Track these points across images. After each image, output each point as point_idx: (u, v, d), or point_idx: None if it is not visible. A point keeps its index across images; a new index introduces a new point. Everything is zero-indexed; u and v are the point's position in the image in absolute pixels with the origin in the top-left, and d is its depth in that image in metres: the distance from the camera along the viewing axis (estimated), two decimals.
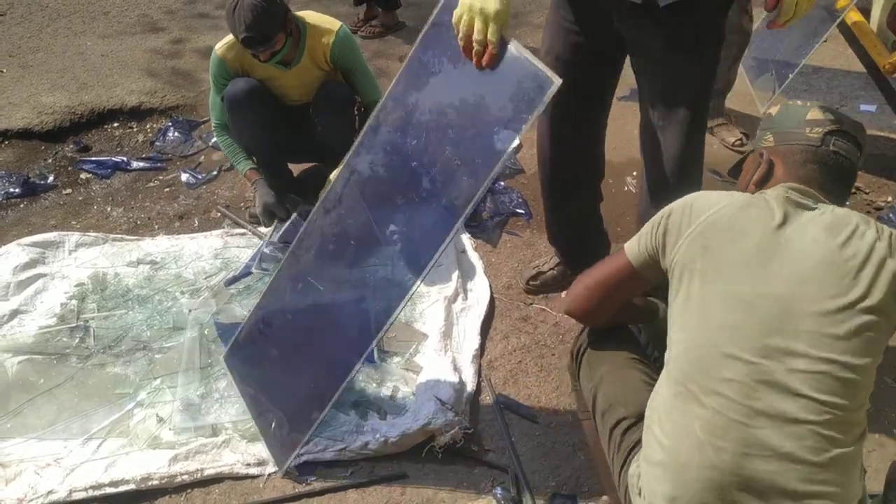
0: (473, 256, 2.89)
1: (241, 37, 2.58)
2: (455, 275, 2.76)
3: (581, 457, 2.14)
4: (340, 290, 2.13)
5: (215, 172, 3.42)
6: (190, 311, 2.61)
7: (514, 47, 1.68)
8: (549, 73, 1.62)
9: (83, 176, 3.47)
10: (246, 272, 2.79)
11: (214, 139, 3.20)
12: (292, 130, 3.01)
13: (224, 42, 2.84)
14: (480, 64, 1.68)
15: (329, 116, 2.90)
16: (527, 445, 2.18)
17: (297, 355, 2.21)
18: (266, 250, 2.87)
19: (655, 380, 1.53)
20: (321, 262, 2.16)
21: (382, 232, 2.02)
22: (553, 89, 1.61)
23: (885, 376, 2.34)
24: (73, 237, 2.94)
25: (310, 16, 2.85)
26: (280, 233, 2.87)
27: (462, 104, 1.80)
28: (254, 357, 2.30)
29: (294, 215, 2.90)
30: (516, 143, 1.67)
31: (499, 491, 1.99)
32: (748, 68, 3.80)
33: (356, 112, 2.98)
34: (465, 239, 2.98)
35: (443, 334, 2.49)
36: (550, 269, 2.73)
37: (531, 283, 2.73)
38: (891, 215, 3.04)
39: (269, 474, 2.07)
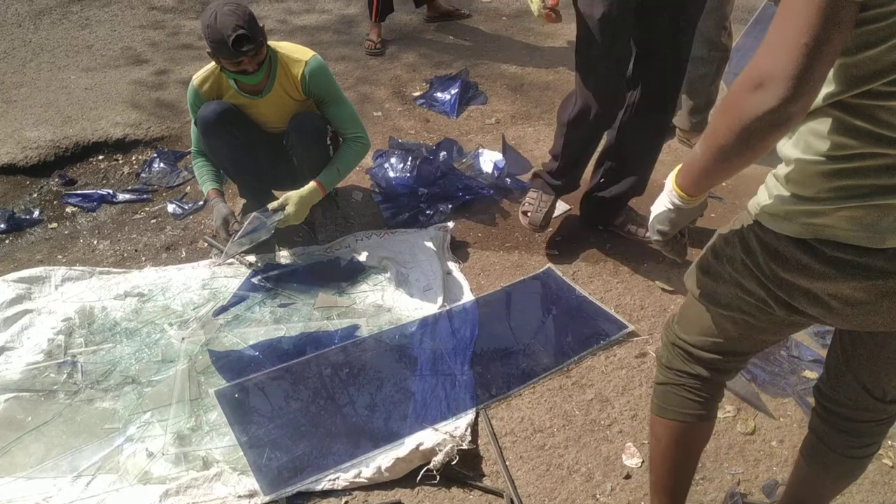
0: (460, 277, 2.90)
1: (232, 36, 2.49)
2: (441, 295, 2.76)
3: (576, 478, 2.13)
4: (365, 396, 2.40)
5: (201, 203, 3.41)
6: (183, 339, 2.59)
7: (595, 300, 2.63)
8: (624, 321, 2.63)
9: (69, 210, 3.45)
10: (234, 302, 2.78)
11: None
12: (273, 157, 3.01)
13: (201, 73, 2.84)
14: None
15: (302, 147, 2.89)
16: (521, 469, 2.16)
17: (313, 417, 2.32)
18: (254, 280, 2.86)
19: None
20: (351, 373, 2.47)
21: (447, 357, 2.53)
22: (627, 331, 2.62)
23: None
24: (60, 271, 2.92)
25: (282, 45, 2.84)
26: (240, 234, 2.76)
27: (548, 323, 2.73)
28: (259, 402, 2.38)
29: (252, 215, 2.77)
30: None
31: None
32: (729, 84, 3.84)
33: (329, 142, 2.97)
34: (451, 263, 2.98)
35: (434, 356, 2.49)
36: (551, 206, 3.00)
37: (544, 224, 2.97)
38: None
39: None
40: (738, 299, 1.42)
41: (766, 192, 1.33)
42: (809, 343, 2.55)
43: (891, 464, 2.12)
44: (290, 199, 2.77)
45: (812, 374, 2.41)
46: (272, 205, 2.79)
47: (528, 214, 2.99)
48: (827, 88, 1.17)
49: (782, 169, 1.30)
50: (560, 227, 3.21)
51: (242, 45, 2.54)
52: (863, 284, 1.23)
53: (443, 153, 3.52)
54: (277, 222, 2.75)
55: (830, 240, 1.22)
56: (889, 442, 2.18)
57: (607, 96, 2.65)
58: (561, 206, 3.31)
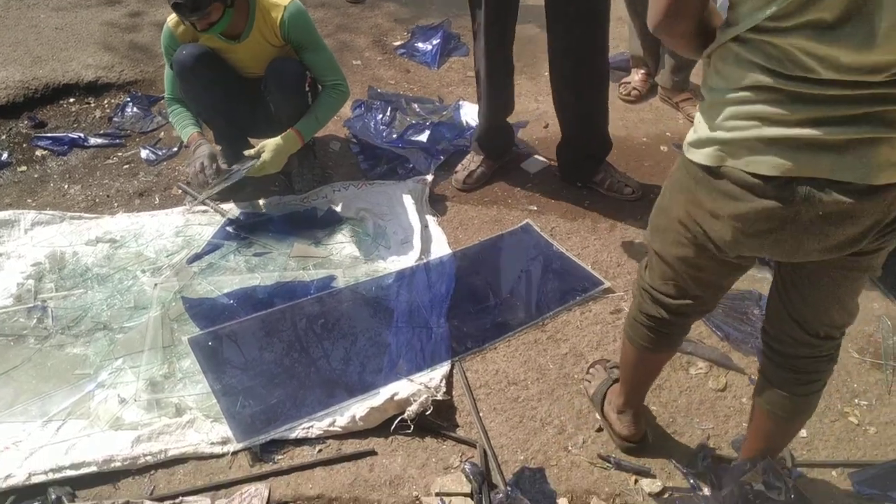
0: (437, 230, 2.88)
1: (171, 2, 2.46)
2: (418, 248, 2.75)
3: (549, 430, 2.15)
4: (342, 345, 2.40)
5: (175, 149, 3.34)
6: (156, 285, 2.57)
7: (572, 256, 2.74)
8: (600, 277, 2.65)
9: (39, 153, 3.37)
10: (209, 250, 2.74)
11: None
12: (251, 103, 2.94)
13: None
14: None
15: (279, 94, 2.83)
16: (495, 420, 2.18)
17: (287, 367, 2.33)
18: (228, 228, 2.83)
19: None
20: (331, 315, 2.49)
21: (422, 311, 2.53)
22: (603, 287, 2.62)
23: (850, 348, 2.38)
24: (29, 215, 2.86)
25: None
26: (216, 183, 2.74)
27: (525, 278, 2.72)
28: (232, 351, 2.37)
29: (232, 168, 2.76)
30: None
31: (468, 466, 1.98)
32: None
33: (307, 88, 2.90)
34: (429, 216, 2.96)
35: (410, 309, 2.49)
36: (478, 166, 3.15)
37: (467, 182, 3.13)
38: None
39: (234, 452, 2.05)
40: (680, 245, 1.53)
41: (693, 126, 1.43)
42: None
43: (856, 421, 2.16)
44: (267, 147, 2.73)
45: None
46: (248, 152, 2.74)
47: (456, 173, 3.18)
48: (727, 24, 1.29)
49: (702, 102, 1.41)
50: (540, 182, 3.19)
51: (180, 13, 2.51)
52: (763, 212, 1.30)
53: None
54: (253, 170, 2.70)
55: (735, 168, 1.31)
56: (856, 400, 2.22)
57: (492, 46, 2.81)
58: (540, 162, 3.29)
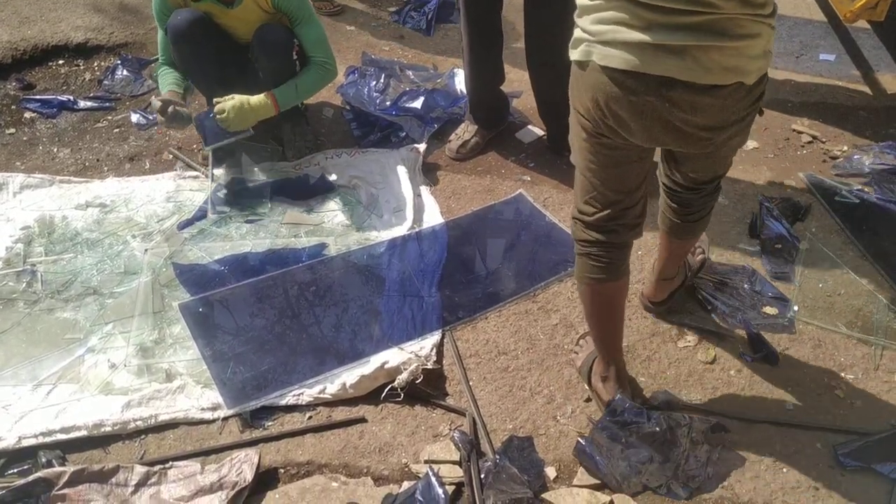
0: (430, 200, 2.87)
1: None
2: (410, 217, 2.74)
3: (538, 400, 2.16)
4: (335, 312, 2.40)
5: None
6: (147, 250, 2.56)
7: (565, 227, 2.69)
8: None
9: (27, 115, 3.33)
10: (200, 215, 2.73)
11: None
12: (244, 70, 2.90)
13: None
14: None
15: (266, 60, 2.78)
16: (485, 389, 2.19)
17: (278, 334, 2.32)
18: (220, 194, 2.81)
19: None
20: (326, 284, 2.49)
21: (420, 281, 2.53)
22: None
23: (839, 322, 2.39)
24: (18, 178, 2.83)
25: None
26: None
27: (517, 248, 2.70)
28: (223, 317, 2.37)
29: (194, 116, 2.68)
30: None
31: (457, 434, 2.00)
32: None
33: (295, 56, 2.84)
34: (422, 185, 2.95)
35: (401, 278, 2.48)
36: (472, 136, 3.14)
37: (460, 151, 3.12)
38: (846, 164, 3.07)
39: (224, 418, 2.05)
40: (583, 149, 1.73)
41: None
42: (770, 278, 2.58)
43: (842, 395, 2.18)
44: (229, 104, 2.61)
45: (772, 310, 2.44)
46: (217, 108, 2.65)
47: (450, 142, 3.17)
48: None
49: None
50: (533, 153, 3.18)
51: None
52: (617, 100, 1.54)
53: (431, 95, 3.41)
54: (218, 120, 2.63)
55: (597, 62, 1.54)
56: (842, 374, 2.24)
57: (479, 29, 2.84)
58: (534, 132, 3.28)
